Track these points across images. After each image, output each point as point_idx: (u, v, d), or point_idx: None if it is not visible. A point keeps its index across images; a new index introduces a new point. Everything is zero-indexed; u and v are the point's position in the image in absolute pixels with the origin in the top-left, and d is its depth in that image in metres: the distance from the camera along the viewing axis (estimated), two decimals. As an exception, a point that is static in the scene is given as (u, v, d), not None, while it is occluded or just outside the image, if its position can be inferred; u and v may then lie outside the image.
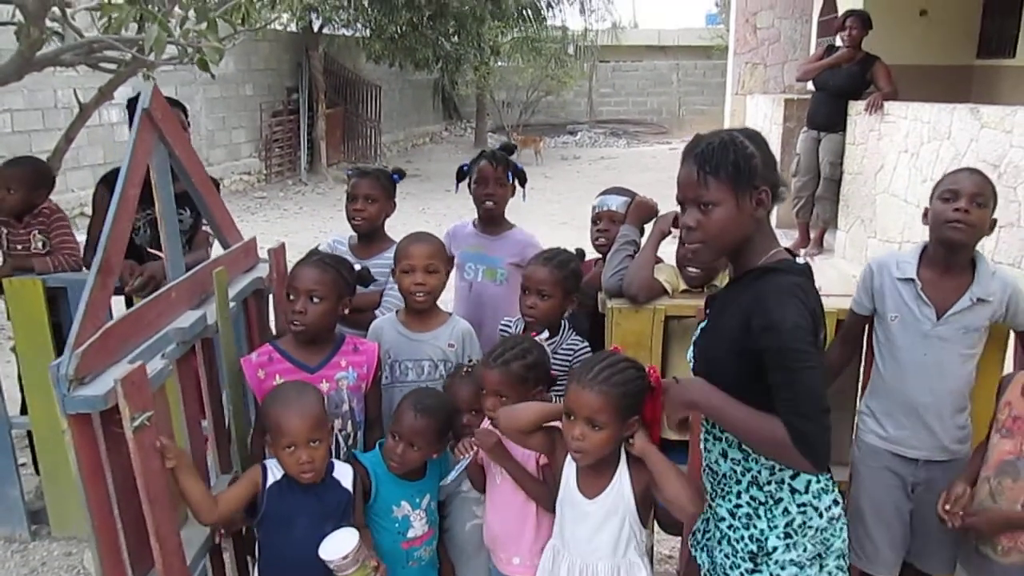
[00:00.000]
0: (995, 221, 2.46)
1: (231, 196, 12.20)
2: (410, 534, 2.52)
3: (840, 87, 7.42)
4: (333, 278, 2.55)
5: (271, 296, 2.98)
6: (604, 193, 3.09)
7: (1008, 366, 2.60)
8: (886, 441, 2.55)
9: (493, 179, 3.30)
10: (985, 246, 5.24)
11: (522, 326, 2.88)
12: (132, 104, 3.55)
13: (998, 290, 2.43)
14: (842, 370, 2.67)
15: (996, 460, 2.33)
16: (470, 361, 2.75)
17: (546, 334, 2.77)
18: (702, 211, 1.86)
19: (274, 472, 2.29)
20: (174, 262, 2.60)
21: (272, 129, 14.51)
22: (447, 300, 3.01)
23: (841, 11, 8.63)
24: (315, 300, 2.50)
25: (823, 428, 1.77)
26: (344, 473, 2.38)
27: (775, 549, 1.95)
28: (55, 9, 3.38)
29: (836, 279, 6.86)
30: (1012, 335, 2.58)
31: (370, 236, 3.26)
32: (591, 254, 3.16)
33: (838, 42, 7.50)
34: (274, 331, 2.93)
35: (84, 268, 3.50)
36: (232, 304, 2.61)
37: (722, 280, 2.63)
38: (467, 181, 3.39)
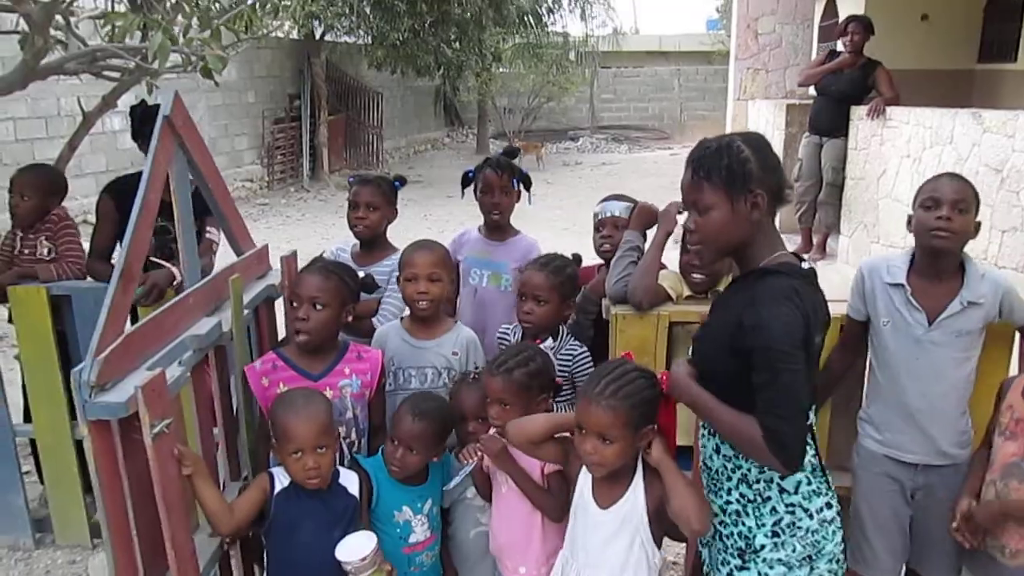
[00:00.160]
0: (979, 224, 2.44)
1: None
2: (412, 539, 2.52)
3: (842, 92, 7.43)
4: (336, 285, 2.55)
5: (281, 303, 2.98)
6: (606, 200, 3.09)
7: (1014, 366, 2.59)
8: (884, 446, 2.54)
9: (498, 187, 3.30)
10: (988, 251, 5.29)
11: (520, 332, 2.88)
12: (135, 112, 3.56)
13: (988, 292, 2.42)
14: (843, 376, 2.66)
15: (1001, 462, 2.32)
16: (476, 368, 2.75)
17: (550, 341, 2.78)
18: (700, 214, 1.93)
19: (281, 480, 2.29)
20: (191, 269, 2.61)
21: (274, 136, 14.53)
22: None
23: (842, 16, 8.63)
24: (318, 307, 2.50)
25: (797, 430, 1.82)
26: (350, 480, 2.39)
27: (763, 547, 1.98)
28: (59, 18, 3.40)
29: (839, 284, 6.83)
30: (1017, 336, 2.57)
31: (372, 243, 3.26)
32: (592, 260, 3.16)
33: (840, 47, 7.51)
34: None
35: (87, 277, 3.51)
36: (246, 311, 2.61)
37: (725, 286, 2.63)
38: (472, 187, 3.40)
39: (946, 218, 2.35)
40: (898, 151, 6.78)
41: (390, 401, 2.73)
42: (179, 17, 3.70)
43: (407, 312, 2.86)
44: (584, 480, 2.20)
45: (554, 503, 2.37)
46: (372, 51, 15.18)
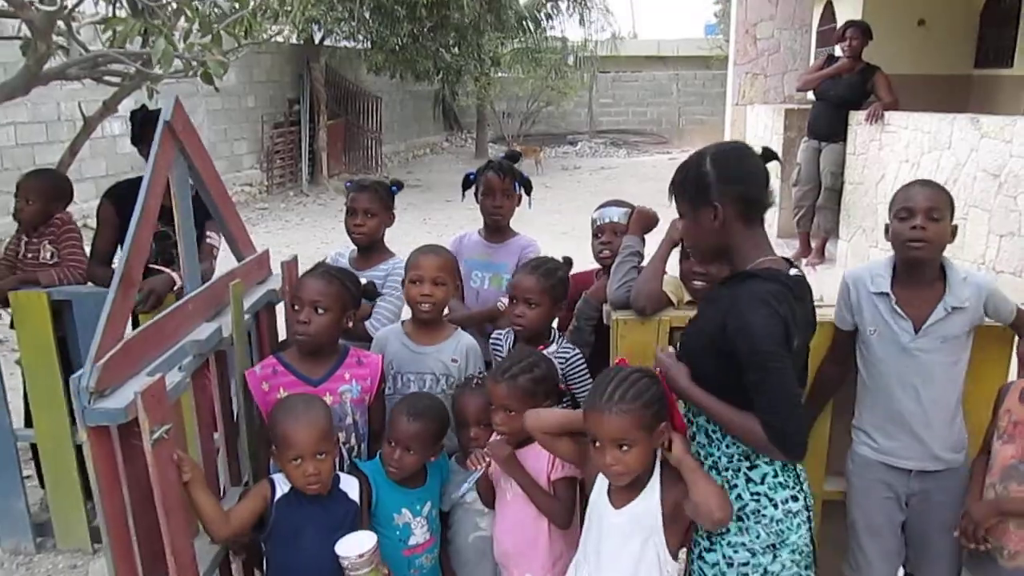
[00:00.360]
0: (955, 228, 2.46)
1: (233, 207, 12.18)
2: (411, 542, 2.52)
3: (841, 97, 7.44)
4: (338, 290, 2.56)
5: (282, 308, 2.98)
6: (604, 206, 3.08)
7: (1014, 370, 2.60)
8: (878, 453, 2.54)
9: (500, 191, 3.32)
10: (986, 255, 5.31)
11: (512, 337, 2.89)
12: (135, 116, 3.57)
13: (972, 296, 2.43)
14: (838, 386, 2.67)
15: (1000, 466, 2.34)
16: (480, 373, 2.76)
17: (554, 347, 2.78)
18: (684, 221, 2.17)
19: (282, 486, 2.30)
20: (191, 274, 2.61)
21: (274, 140, 14.53)
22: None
23: (840, 21, 8.65)
24: (319, 311, 2.51)
25: (796, 423, 1.94)
26: (350, 485, 2.39)
27: (728, 531, 2.08)
28: (60, 24, 3.41)
29: (837, 289, 6.85)
30: (1016, 340, 2.58)
31: (369, 248, 3.27)
32: (589, 264, 3.16)
33: (838, 52, 7.52)
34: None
35: (88, 282, 3.51)
36: (247, 316, 2.62)
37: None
38: (473, 190, 3.41)
39: (920, 227, 2.37)
40: (897, 156, 6.79)
41: (389, 405, 2.73)
42: (180, 22, 3.71)
43: (405, 315, 2.87)
44: (602, 482, 2.20)
45: (560, 509, 2.37)
46: (371, 56, 15.18)
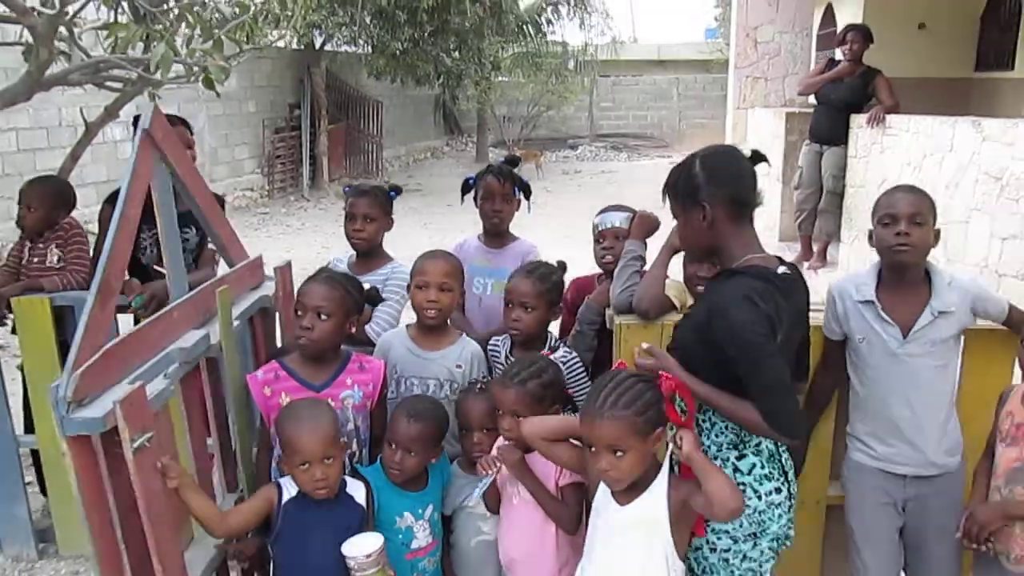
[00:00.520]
0: (939, 232, 2.46)
1: (234, 212, 12.21)
2: (414, 545, 2.53)
3: (842, 100, 7.44)
4: (341, 296, 2.56)
5: (278, 314, 2.98)
6: (605, 210, 3.08)
7: (1018, 375, 2.59)
8: (873, 459, 2.55)
9: (500, 195, 3.32)
10: (988, 258, 5.30)
11: (509, 343, 2.89)
12: (137, 122, 3.57)
13: (957, 300, 2.44)
14: (831, 395, 2.68)
15: (1004, 469, 2.33)
16: (484, 377, 2.75)
17: (560, 351, 2.78)
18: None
19: (288, 490, 2.30)
20: (177, 282, 2.60)
21: (275, 145, 14.55)
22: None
23: (840, 25, 8.66)
24: (323, 317, 2.51)
25: (788, 406, 2.03)
26: (357, 489, 2.39)
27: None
28: (62, 29, 3.41)
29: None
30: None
31: (368, 253, 3.27)
32: (591, 270, 3.16)
33: (839, 56, 7.52)
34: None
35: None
36: (237, 322, 2.61)
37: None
38: (472, 194, 3.40)
39: (904, 233, 2.38)
40: (898, 159, 6.78)
41: (391, 410, 2.73)
42: (182, 28, 3.71)
43: (405, 320, 2.86)
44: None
45: (569, 515, 2.37)
46: (372, 60, 15.20)
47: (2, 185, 8.27)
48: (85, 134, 4.34)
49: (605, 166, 20.65)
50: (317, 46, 14.95)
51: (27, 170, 8.02)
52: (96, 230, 3.74)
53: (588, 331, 2.88)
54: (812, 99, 7.85)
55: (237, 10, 3.93)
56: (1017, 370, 2.57)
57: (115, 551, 1.99)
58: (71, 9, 3.34)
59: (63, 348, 3.38)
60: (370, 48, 15.02)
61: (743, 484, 2.14)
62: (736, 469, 2.17)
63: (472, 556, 2.63)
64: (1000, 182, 5.27)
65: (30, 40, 3.44)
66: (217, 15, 4.05)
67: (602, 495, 2.19)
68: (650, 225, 2.83)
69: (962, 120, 5.92)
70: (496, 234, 3.41)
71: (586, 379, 2.76)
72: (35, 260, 3.62)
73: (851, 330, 2.52)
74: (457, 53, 16.37)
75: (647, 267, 2.69)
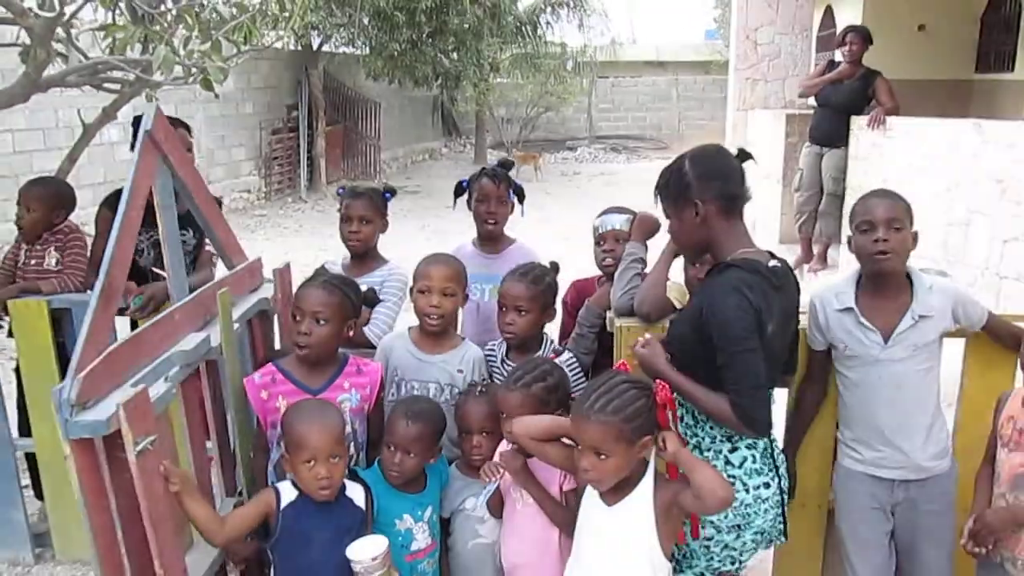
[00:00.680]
0: (916, 235, 2.45)
1: (231, 214, 12.19)
2: (413, 547, 2.52)
3: (842, 102, 7.42)
4: (339, 300, 2.54)
5: (276, 316, 2.96)
6: (605, 213, 3.06)
7: (1019, 379, 2.58)
8: (861, 464, 2.55)
9: (495, 197, 3.29)
10: (989, 261, 5.28)
11: (505, 347, 2.87)
12: (137, 123, 3.55)
13: (938, 304, 2.44)
14: (819, 404, 2.68)
15: (1009, 475, 2.32)
16: (484, 380, 2.74)
17: (566, 355, 2.76)
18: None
19: (287, 494, 2.28)
20: (177, 284, 2.59)
21: (272, 147, 14.53)
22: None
23: (840, 27, 8.65)
24: (321, 322, 2.49)
25: (758, 402, 2.08)
26: (356, 492, 2.38)
27: None
28: (60, 31, 3.39)
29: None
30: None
31: (363, 255, 3.25)
32: (590, 272, 3.14)
33: (838, 57, 7.51)
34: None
35: (88, 289, 3.49)
36: (236, 325, 2.60)
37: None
38: (466, 198, 3.38)
39: (883, 239, 2.38)
40: (898, 161, 6.77)
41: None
42: (180, 29, 3.69)
43: (401, 322, 2.84)
44: None
45: (572, 520, 2.35)
46: (370, 61, 15.20)
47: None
48: (83, 136, 4.31)
49: (604, 168, 20.65)
50: (315, 47, 14.94)
51: (23, 171, 7.98)
52: (92, 232, 3.71)
53: (588, 334, 2.87)
54: (812, 101, 7.83)
55: (235, 11, 3.91)
56: (1019, 372, 2.56)
57: (116, 554, 1.98)
58: (68, 10, 3.32)
59: (60, 350, 3.37)
60: (368, 49, 15.03)
61: (732, 477, 2.19)
62: (728, 462, 2.22)
63: (469, 559, 2.62)
64: (1001, 184, 5.26)
65: (27, 41, 3.42)
66: (215, 16, 4.03)
67: (590, 495, 2.20)
68: (650, 227, 2.82)
69: (963, 122, 5.92)
70: (491, 238, 3.37)
71: (584, 382, 2.74)
72: (32, 262, 3.59)
73: (834, 339, 2.53)
74: (455, 54, 16.38)
75: (648, 269, 2.68)
